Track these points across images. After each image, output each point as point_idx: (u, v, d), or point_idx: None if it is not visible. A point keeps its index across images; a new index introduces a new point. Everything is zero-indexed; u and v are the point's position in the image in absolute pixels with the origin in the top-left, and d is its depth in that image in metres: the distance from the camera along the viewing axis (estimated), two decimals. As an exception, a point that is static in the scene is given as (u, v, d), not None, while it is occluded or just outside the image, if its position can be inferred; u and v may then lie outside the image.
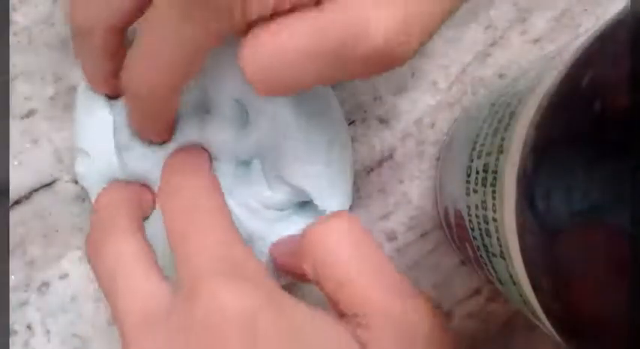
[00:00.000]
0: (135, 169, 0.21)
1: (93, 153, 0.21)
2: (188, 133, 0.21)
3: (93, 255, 0.18)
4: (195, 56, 0.16)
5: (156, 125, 0.20)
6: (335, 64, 0.14)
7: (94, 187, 0.22)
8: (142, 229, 0.19)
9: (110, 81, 0.20)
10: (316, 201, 0.22)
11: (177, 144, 0.21)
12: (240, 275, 0.16)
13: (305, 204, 0.22)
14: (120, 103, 0.21)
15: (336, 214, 0.18)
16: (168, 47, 0.16)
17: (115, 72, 0.19)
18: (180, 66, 0.16)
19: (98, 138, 0.21)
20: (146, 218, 0.21)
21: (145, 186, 0.21)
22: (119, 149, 0.21)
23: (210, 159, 0.21)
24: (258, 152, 0.21)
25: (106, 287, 0.17)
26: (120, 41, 0.19)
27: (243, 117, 0.21)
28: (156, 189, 0.21)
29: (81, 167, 0.22)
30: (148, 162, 0.21)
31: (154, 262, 0.18)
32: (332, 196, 0.22)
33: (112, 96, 0.21)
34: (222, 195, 0.19)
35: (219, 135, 0.21)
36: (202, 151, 0.21)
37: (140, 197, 0.21)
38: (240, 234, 0.22)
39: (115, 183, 0.21)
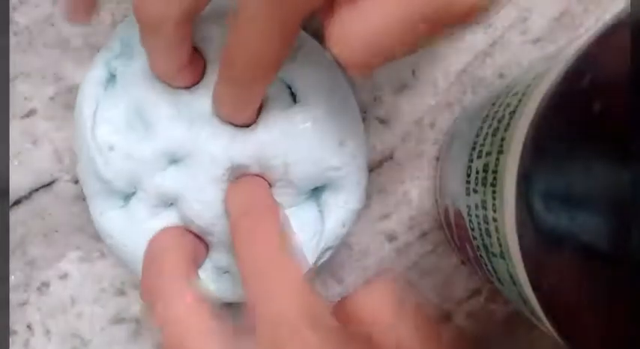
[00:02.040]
0: (120, 169, 0.21)
1: (80, 154, 0.21)
2: (175, 134, 0.21)
3: (151, 302, 0.18)
4: None
5: (172, 60, 0.19)
6: (427, 28, 0.14)
7: (88, 187, 0.22)
8: (197, 272, 0.19)
9: (182, 72, 0.20)
10: (326, 201, 0.22)
11: (164, 142, 0.21)
12: (322, 325, 0.15)
13: (310, 201, 0.22)
14: (102, 103, 0.21)
15: (378, 282, 0.18)
16: None
17: (185, 62, 0.19)
18: (281, 47, 0.16)
19: (82, 139, 0.21)
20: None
21: (199, 238, 0.21)
22: (101, 149, 0.21)
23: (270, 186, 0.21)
24: (259, 154, 0.21)
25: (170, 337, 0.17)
26: (189, 29, 0.18)
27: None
28: (143, 181, 0.21)
29: (77, 167, 0.22)
30: (132, 161, 0.21)
31: (213, 314, 0.17)
32: (342, 197, 0.22)
33: (185, 87, 0.21)
34: (292, 234, 0.19)
35: (213, 137, 0.21)
36: (263, 183, 0.21)
37: (194, 248, 0.20)
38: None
39: (170, 229, 0.21)
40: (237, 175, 0.21)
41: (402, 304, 0.17)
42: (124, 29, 0.21)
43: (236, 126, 0.21)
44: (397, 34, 0.14)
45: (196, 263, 0.20)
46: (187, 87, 0.21)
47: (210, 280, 0.22)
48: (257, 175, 0.21)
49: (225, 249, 0.21)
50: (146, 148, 0.21)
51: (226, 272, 0.22)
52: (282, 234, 0.18)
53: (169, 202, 0.21)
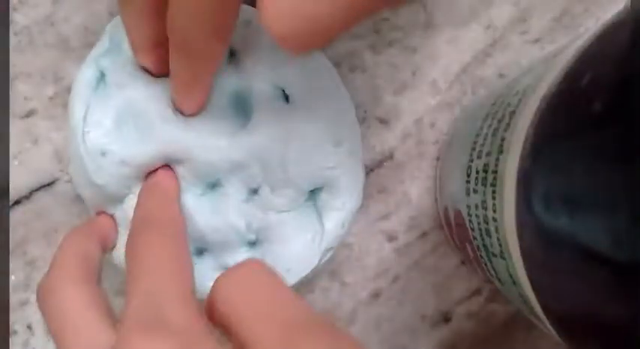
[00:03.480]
0: (113, 175, 0.20)
1: (71, 157, 0.21)
2: (170, 136, 0.20)
3: (42, 300, 0.18)
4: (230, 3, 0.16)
5: (145, 30, 0.19)
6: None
7: (81, 189, 0.22)
8: (94, 278, 0.19)
9: (156, 50, 0.19)
10: (324, 202, 0.22)
11: (159, 145, 0.20)
12: (162, 328, 0.15)
13: (309, 203, 0.22)
14: (92, 104, 0.21)
15: (238, 265, 0.17)
16: None
17: (161, 39, 0.19)
18: (218, 12, 0.16)
19: (74, 143, 0.21)
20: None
21: (108, 219, 0.22)
22: (92, 154, 0.20)
23: (179, 189, 0.21)
24: (257, 155, 0.21)
25: (55, 334, 0.17)
26: (164, 1, 0.18)
27: (239, 118, 0.21)
28: (137, 185, 0.21)
29: (69, 168, 0.22)
30: (126, 167, 0.20)
31: (105, 310, 0.17)
32: (339, 197, 0.22)
33: (157, 72, 0.20)
34: (185, 235, 0.19)
35: (211, 138, 0.20)
36: (173, 179, 0.21)
37: (101, 236, 0.21)
38: (245, 238, 0.22)
39: (77, 227, 0.21)
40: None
41: (255, 291, 0.16)
42: (113, 27, 0.21)
43: (231, 125, 0.21)
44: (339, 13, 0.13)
45: (105, 248, 0.21)
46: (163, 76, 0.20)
47: (211, 279, 0.22)
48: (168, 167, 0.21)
49: (226, 249, 0.21)
50: (140, 152, 0.20)
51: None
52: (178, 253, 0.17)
53: None
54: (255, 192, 0.21)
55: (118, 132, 0.20)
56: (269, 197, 0.21)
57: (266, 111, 0.21)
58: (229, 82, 0.21)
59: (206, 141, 0.20)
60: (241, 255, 0.22)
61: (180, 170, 0.21)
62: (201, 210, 0.21)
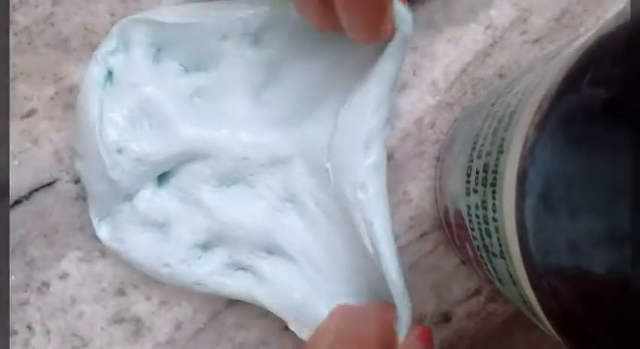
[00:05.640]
0: (129, 172, 0.21)
1: (84, 154, 0.21)
2: (188, 132, 0.20)
3: None
4: None
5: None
6: None
7: (92, 186, 0.22)
8: None
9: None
10: (372, 229, 0.20)
11: (176, 142, 0.20)
12: None
13: (345, 228, 0.21)
14: (105, 102, 0.21)
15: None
16: None
17: None
18: None
19: (89, 140, 0.21)
20: None
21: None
22: (110, 151, 0.20)
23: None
24: (307, 146, 0.20)
25: None
26: None
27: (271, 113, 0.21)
28: (150, 183, 0.21)
29: (78, 165, 0.22)
30: (142, 166, 0.20)
31: None
32: (379, 218, 0.19)
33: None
34: None
35: (241, 132, 0.20)
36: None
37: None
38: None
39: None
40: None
41: None
42: (121, 27, 0.21)
43: (268, 115, 0.20)
44: None
45: None
46: None
47: (221, 275, 0.21)
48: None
49: (247, 248, 0.21)
50: (156, 150, 0.20)
51: (239, 269, 0.22)
52: None
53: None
54: (291, 200, 0.21)
55: (131, 130, 0.21)
56: (307, 211, 0.21)
57: (323, 105, 0.20)
58: (256, 73, 0.20)
59: (232, 135, 0.20)
60: (259, 259, 0.21)
61: (200, 166, 0.21)
62: (228, 202, 0.21)
